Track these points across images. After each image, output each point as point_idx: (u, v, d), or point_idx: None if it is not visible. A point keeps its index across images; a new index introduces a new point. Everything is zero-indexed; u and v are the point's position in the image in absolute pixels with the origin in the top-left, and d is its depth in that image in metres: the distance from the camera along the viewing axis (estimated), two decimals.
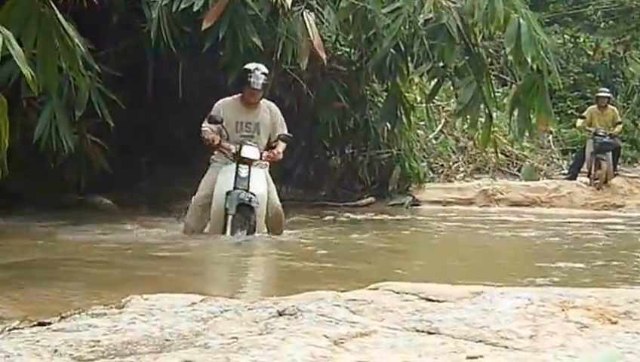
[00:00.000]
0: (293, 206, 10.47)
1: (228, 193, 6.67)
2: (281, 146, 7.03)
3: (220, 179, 6.78)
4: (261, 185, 6.79)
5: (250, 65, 7.11)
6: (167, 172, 9.83)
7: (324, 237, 7.70)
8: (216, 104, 7.01)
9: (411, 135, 11.82)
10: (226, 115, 6.87)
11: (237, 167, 6.72)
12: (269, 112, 7.09)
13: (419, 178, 11.64)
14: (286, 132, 7.13)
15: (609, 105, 12.86)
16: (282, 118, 7.17)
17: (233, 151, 6.77)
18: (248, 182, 6.69)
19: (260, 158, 6.85)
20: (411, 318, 2.11)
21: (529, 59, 8.53)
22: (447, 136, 14.10)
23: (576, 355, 1.85)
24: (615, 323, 2.08)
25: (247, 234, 6.65)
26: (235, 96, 7.11)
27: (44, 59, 4.30)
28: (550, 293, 2.31)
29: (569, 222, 9.67)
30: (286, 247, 6.63)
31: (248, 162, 6.74)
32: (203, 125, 6.86)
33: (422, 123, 13.07)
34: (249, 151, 6.77)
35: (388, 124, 10.83)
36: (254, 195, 6.68)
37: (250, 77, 6.92)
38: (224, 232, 6.66)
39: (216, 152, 7.00)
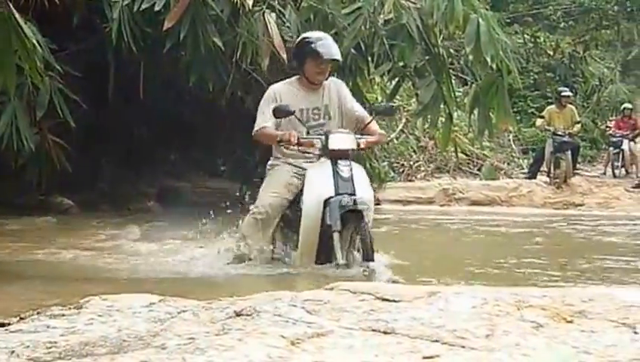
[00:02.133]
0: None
1: (326, 201, 4.92)
2: (375, 125, 5.42)
3: (312, 183, 5.01)
4: (368, 187, 5.12)
5: (310, 34, 5.72)
6: (129, 172, 9.80)
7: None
8: (269, 92, 5.43)
9: None
10: (283, 103, 5.23)
11: (334, 165, 4.98)
12: (334, 88, 5.45)
13: (380, 177, 11.70)
14: (358, 106, 5.54)
15: (568, 105, 13.04)
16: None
17: (319, 145, 5.08)
18: (352, 183, 4.98)
19: (358, 147, 5.14)
20: (367, 318, 2.10)
21: (488, 59, 8.55)
22: (408, 136, 14.23)
23: (531, 354, 1.85)
24: (570, 322, 2.09)
25: (364, 258, 4.81)
26: (287, 80, 5.60)
27: (1, 60, 4.27)
28: (505, 293, 2.31)
29: (526, 221, 9.82)
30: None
31: (343, 155, 5.03)
32: (261, 124, 5.28)
33: (383, 122, 13.14)
34: (340, 140, 5.04)
35: None
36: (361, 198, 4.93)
37: (317, 46, 5.28)
38: (321, 258, 5.00)
39: (278, 155, 5.44)
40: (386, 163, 12.87)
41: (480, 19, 8.56)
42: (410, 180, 13.16)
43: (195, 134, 11.04)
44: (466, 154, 14.28)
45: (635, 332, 2.01)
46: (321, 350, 1.88)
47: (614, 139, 14.88)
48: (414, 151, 14.05)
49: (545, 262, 6.32)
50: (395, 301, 2.25)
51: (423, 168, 13.76)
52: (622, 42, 20.26)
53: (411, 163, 13.74)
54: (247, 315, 2.15)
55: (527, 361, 1.82)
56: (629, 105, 15.40)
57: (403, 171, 13.47)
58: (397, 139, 14.01)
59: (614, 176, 14.42)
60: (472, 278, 5.11)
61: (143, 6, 8.26)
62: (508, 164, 15.09)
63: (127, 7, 8.31)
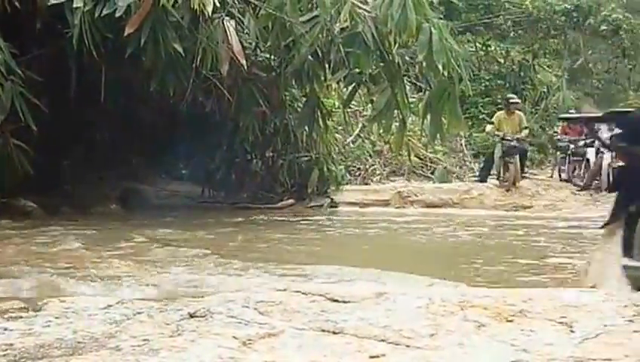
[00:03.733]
0: (215, 208, 10.63)
1: None
2: None
3: None
4: None
5: None
6: (91, 175, 9.84)
7: (243, 238, 7.89)
8: None
9: (329, 139, 12.03)
10: None
11: None
12: None
13: (337, 180, 11.88)
14: None
15: (516, 111, 13.30)
16: None
17: None
18: None
19: None
20: (317, 319, 2.21)
21: (440, 67, 8.75)
22: (364, 140, 14.37)
23: (474, 352, 1.97)
24: (511, 321, 2.21)
25: None
26: None
27: None
28: (450, 293, 2.48)
29: (474, 222, 10.04)
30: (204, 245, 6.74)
31: None
32: None
33: (340, 127, 13.34)
34: None
35: (307, 128, 11.06)
36: None
37: None
38: None
39: None
40: (342, 166, 13.04)
41: (432, 29, 8.74)
42: (366, 183, 13.31)
43: (156, 137, 11.12)
44: (420, 158, 14.44)
45: (572, 331, 2.13)
46: (272, 350, 1.97)
47: (561, 144, 15.16)
48: (370, 155, 14.21)
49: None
50: (344, 302, 2.37)
51: (378, 172, 13.91)
52: (569, 51, 20.71)
53: (367, 166, 13.89)
54: (201, 317, 2.23)
55: (469, 359, 1.93)
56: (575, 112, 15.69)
57: (359, 174, 13.63)
58: (353, 143, 14.22)
59: (560, 179, 14.69)
60: None
61: (104, 12, 8.31)
62: (460, 167, 15.25)
63: (88, 13, 8.33)
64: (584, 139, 14.55)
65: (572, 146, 14.50)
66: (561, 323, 2.19)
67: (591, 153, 13.68)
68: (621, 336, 2.10)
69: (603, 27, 19.42)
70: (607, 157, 12.67)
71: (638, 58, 20.16)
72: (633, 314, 2.30)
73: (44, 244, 6.83)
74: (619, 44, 19.80)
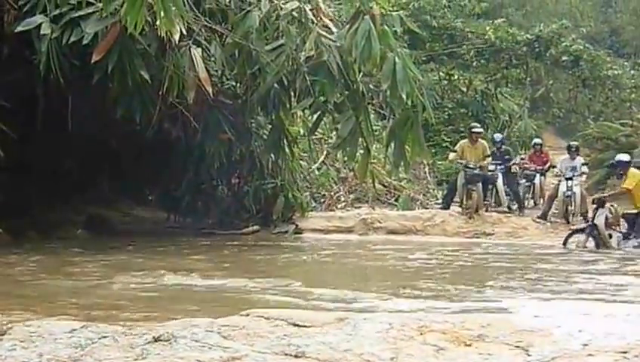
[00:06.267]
0: (181, 233, 10.67)
1: None
2: None
3: None
4: None
5: None
6: (58, 200, 9.83)
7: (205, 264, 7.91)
8: None
9: (295, 166, 12.14)
10: None
11: None
12: None
13: (302, 207, 11.95)
14: None
15: (479, 140, 13.51)
16: None
17: None
18: None
19: None
20: (280, 343, 2.27)
21: (404, 96, 8.84)
22: (329, 168, 14.47)
23: None
24: (469, 345, 2.28)
25: None
26: None
27: None
28: (410, 318, 2.52)
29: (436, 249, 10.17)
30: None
31: None
32: None
33: (305, 154, 13.44)
34: None
35: (272, 155, 11.15)
36: None
37: None
38: None
39: None
40: (307, 193, 13.13)
41: (396, 58, 8.83)
42: (331, 210, 13.39)
43: (123, 163, 11.13)
44: (384, 186, 14.56)
45: (528, 354, 2.21)
46: None
47: (527, 173, 15.33)
48: (335, 182, 14.32)
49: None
50: (306, 326, 2.42)
51: (343, 198, 14.02)
52: (530, 80, 21.12)
53: (332, 193, 13.99)
54: (166, 341, 2.26)
55: None
56: (539, 141, 15.92)
57: (324, 201, 13.72)
58: (318, 170, 14.32)
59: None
60: None
61: (72, 39, 8.37)
62: (424, 195, 15.39)
63: (55, 40, 8.39)
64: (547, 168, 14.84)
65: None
66: (517, 346, 2.25)
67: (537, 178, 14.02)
68: (576, 361, 2.17)
69: (564, 58, 19.84)
70: (563, 184, 12.95)
71: (598, 88, 20.60)
72: (588, 339, 2.36)
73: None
74: (579, 75, 20.23)
